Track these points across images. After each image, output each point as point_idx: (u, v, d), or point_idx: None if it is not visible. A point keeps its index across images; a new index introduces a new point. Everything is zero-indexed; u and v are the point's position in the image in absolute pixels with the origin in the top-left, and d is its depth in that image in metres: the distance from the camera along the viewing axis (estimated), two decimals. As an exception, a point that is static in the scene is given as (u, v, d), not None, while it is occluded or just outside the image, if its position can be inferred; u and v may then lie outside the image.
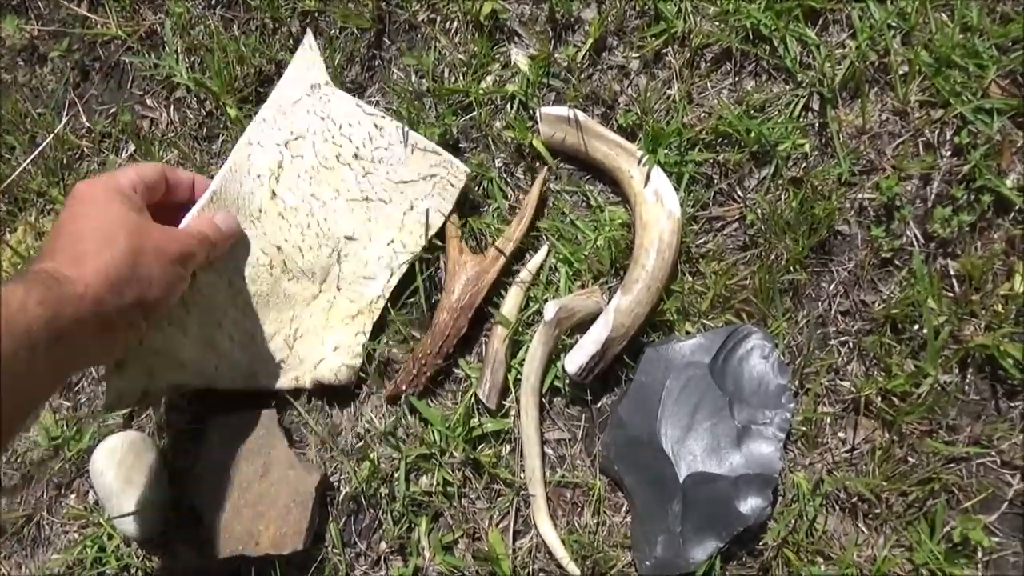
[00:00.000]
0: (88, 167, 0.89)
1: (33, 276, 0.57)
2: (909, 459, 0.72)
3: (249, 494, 0.72)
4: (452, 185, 0.78)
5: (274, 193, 0.77)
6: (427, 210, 0.79)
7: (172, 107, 0.91)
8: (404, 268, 0.78)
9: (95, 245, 0.61)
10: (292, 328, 0.78)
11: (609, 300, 0.76)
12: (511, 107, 0.84)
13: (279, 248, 0.77)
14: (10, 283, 0.55)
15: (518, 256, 0.80)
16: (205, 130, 0.89)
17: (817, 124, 0.80)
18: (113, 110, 0.92)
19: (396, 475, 0.75)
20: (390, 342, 0.79)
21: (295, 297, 0.78)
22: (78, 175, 0.88)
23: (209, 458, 0.74)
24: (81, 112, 0.92)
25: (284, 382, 0.77)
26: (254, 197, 0.77)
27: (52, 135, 0.89)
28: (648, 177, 0.77)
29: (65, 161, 0.90)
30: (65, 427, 0.80)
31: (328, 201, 0.78)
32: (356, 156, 0.78)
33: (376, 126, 0.78)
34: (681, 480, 0.70)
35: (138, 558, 0.76)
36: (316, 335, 0.78)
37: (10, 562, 0.78)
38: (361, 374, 0.80)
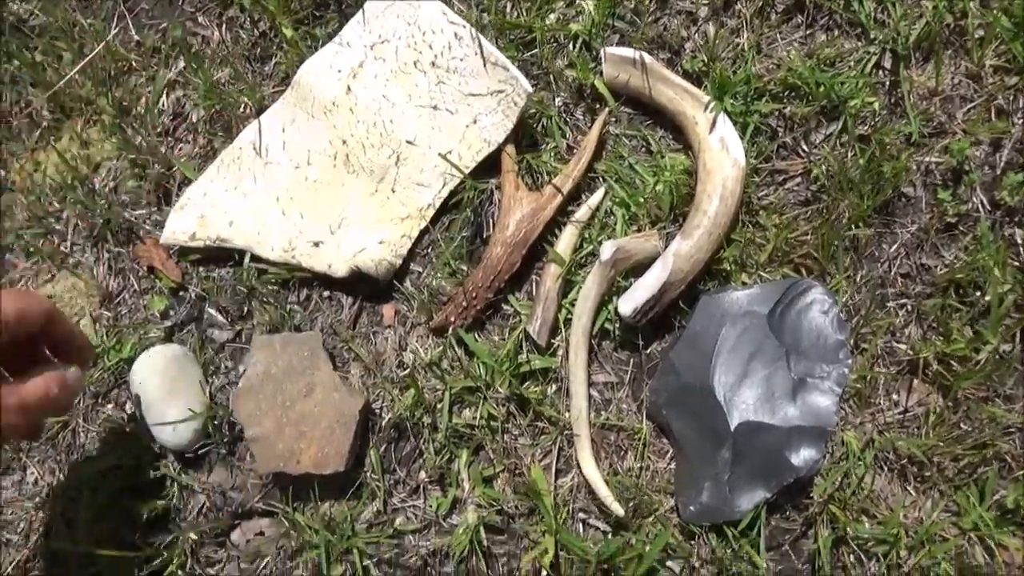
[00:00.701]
0: (136, 81, 0.87)
1: None
2: (962, 425, 0.71)
3: (292, 413, 0.71)
4: (515, 104, 0.77)
5: (349, 89, 0.80)
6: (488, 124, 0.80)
7: (224, 26, 0.89)
8: (456, 181, 0.78)
9: None
10: (340, 217, 0.79)
11: (666, 245, 0.74)
12: (574, 46, 0.82)
13: (344, 141, 0.80)
14: None
15: (574, 197, 0.79)
16: (259, 50, 0.87)
17: (888, 82, 0.79)
18: (164, 25, 0.90)
19: (439, 406, 0.74)
20: (438, 273, 0.78)
21: (351, 190, 0.80)
22: (125, 88, 0.86)
23: (252, 375, 0.73)
24: (130, 25, 0.90)
25: (318, 264, 0.77)
26: (330, 90, 0.80)
27: (102, 44, 0.87)
28: (714, 124, 0.76)
29: (113, 73, 0.88)
30: (105, 337, 0.79)
31: (398, 104, 0.80)
32: (433, 64, 0.79)
33: (456, 36, 0.78)
34: (732, 428, 0.69)
35: (174, 469, 0.75)
36: (362, 228, 0.78)
37: (43, 467, 0.77)
38: (404, 304, 0.78)
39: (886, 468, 0.72)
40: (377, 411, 0.75)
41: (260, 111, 0.84)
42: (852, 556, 0.69)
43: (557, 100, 0.82)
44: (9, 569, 0.75)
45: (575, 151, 0.80)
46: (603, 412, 0.75)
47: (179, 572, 0.72)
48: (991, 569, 0.68)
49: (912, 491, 0.71)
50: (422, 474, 0.74)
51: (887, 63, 0.79)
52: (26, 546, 0.75)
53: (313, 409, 0.71)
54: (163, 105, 0.87)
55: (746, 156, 0.76)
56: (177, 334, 0.79)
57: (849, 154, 0.77)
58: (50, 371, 0.59)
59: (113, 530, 0.73)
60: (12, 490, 0.77)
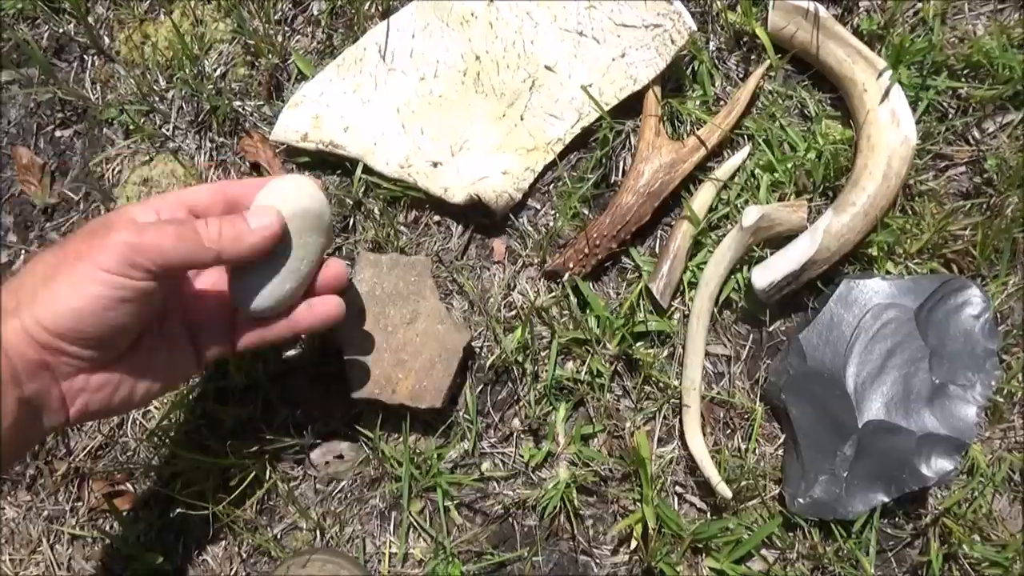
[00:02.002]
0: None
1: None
2: (1101, 457, 0.66)
3: (393, 339, 0.68)
4: (673, 41, 0.70)
5: (492, 0, 0.73)
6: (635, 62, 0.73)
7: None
8: (592, 117, 0.72)
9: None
10: (463, 140, 0.73)
11: (812, 220, 0.69)
12: (739, -13, 0.74)
13: (478, 57, 0.74)
14: None
15: (715, 153, 0.73)
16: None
17: (1082, 76, 0.71)
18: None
19: (545, 354, 0.70)
20: (561, 217, 0.73)
21: (478, 112, 0.74)
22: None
23: (355, 293, 0.69)
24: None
25: (433, 187, 0.72)
26: None
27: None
28: (886, 94, 0.69)
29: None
30: (202, 230, 0.75)
31: (541, 24, 0.73)
32: None
33: None
34: (860, 424, 0.64)
35: (264, 378, 0.72)
36: (485, 155, 0.72)
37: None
38: (517, 242, 0.74)
39: (1010, 489, 0.67)
40: (477, 350, 0.71)
41: (386, 12, 0.78)
42: (960, 573, 0.66)
43: (711, 44, 0.75)
44: (81, 455, 0.73)
45: (723, 103, 0.73)
46: (714, 385, 0.71)
47: (255, 483, 0.69)
48: (1108, 611, 0.64)
49: (1034, 518, 0.67)
50: (516, 422, 0.71)
51: (1084, 53, 0.72)
52: (100, 432, 0.73)
53: (415, 338, 0.68)
54: (283, -9, 0.81)
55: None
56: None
57: (1027, 149, 0.70)
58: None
59: (194, 432, 0.71)
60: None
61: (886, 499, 0.64)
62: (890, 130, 0.68)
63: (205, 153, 0.78)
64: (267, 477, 0.69)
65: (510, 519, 0.69)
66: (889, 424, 0.64)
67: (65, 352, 0.49)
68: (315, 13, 0.80)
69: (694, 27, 0.70)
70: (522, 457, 0.70)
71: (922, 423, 0.64)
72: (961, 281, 0.67)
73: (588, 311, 0.71)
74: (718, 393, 0.70)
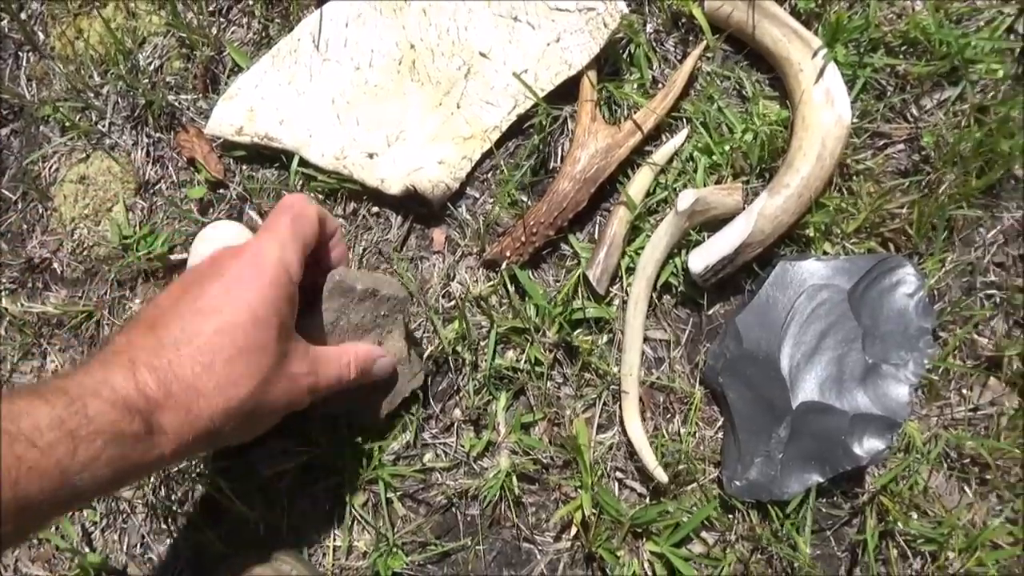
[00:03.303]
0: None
1: (120, 416, 0.43)
2: (1036, 431, 0.67)
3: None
4: (606, 24, 0.70)
5: None
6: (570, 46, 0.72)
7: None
8: (528, 103, 0.71)
9: (224, 375, 0.47)
10: (399, 130, 0.72)
11: (748, 202, 0.68)
12: (675, -33, 0.74)
13: (412, 46, 0.73)
14: (78, 414, 0.42)
15: (653, 136, 0.72)
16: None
17: (1018, 50, 0.71)
18: None
19: (484, 344, 0.70)
20: (498, 204, 0.72)
21: (413, 101, 0.73)
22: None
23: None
24: None
25: (369, 178, 0.71)
26: None
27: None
28: (821, 73, 0.68)
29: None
30: (138, 227, 0.75)
31: (475, 10, 0.73)
32: None
33: None
34: (794, 406, 0.65)
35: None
36: (421, 144, 0.72)
37: (65, 355, 0.74)
38: (456, 231, 0.73)
39: (946, 466, 0.68)
40: (417, 340, 0.71)
41: (322, 1, 0.76)
42: (897, 551, 0.66)
43: (648, 26, 0.74)
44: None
45: (661, 86, 0.73)
46: (654, 371, 0.71)
47: (197, 480, 0.70)
48: (1042, 584, 0.65)
49: (970, 493, 0.67)
50: (457, 412, 0.71)
51: (1021, 28, 0.71)
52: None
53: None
54: (217, -19, 0.80)
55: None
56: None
57: (963, 125, 0.70)
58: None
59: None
60: (32, 376, 0.75)
61: (821, 479, 0.64)
62: (824, 110, 0.68)
63: (142, 149, 0.77)
64: (208, 479, 0.69)
65: (453, 509, 0.70)
66: (822, 405, 0.64)
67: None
68: (250, 3, 0.79)
69: (626, 9, 0.70)
70: (463, 447, 0.70)
71: (855, 403, 0.64)
72: (895, 260, 0.67)
73: (527, 299, 0.71)
74: (658, 378, 0.70)
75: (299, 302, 0.54)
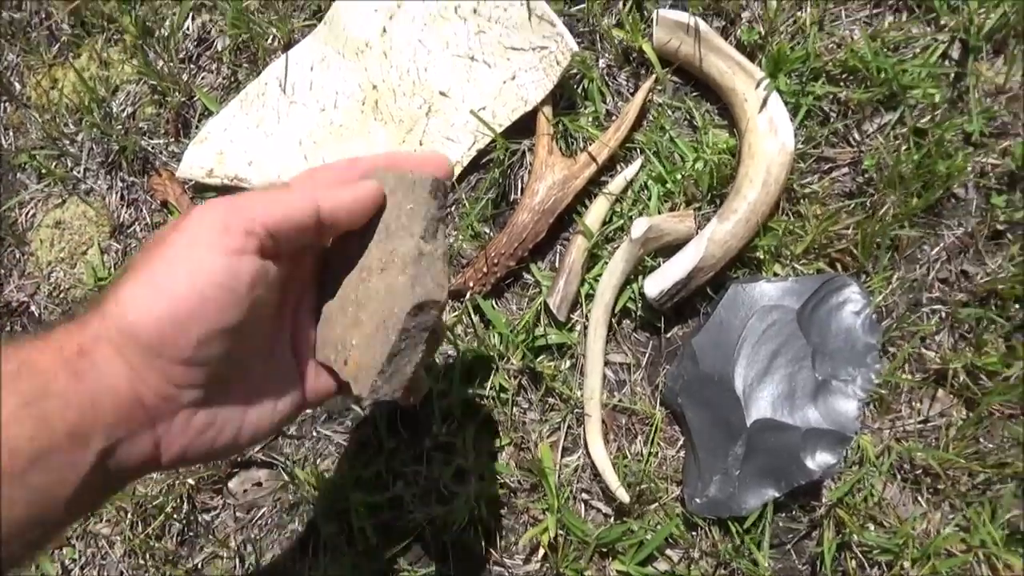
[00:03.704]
0: (161, 0, 0.83)
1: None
2: (983, 440, 0.69)
3: (363, 289, 0.46)
4: (558, 62, 0.73)
5: (385, 30, 0.76)
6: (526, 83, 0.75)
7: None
8: (487, 140, 0.74)
9: (171, 274, 0.36)
10: None
11: (701, 228, 0.71)
12: (625, 5, 0.77)
13: (375, 87, 0.76)
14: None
15: (608, 167, 0.75)
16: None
17: (953, 75, 0.74)
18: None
19: (450, 373, 0.72)
20: (461, 236, 0.75)
21: (378, 139, 0.76)
22: (150, 7, 0.82)
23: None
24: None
25: None
26: (365, 29, 0.77)
27: (127, -41, 0.82)
28: (764, 103, 0.71)
29: (138, -9, 0.84)
30: (113, 269, 0.77)
31: (434, 51, 0.76)
32: (475, 11, 0.75)
33: None
34: (748, 424, 0.67)
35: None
36: None
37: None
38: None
39: (899, 477, 0.70)
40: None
41: (288, 45, 0.80)
42: (855, 562, 0.68)
43: (601, 62, 0.77)
44: None
45: (615, 118, 0.76)
46: (616, 393, 0.73)
47: (174, 516, 0.71)
48: (995, 589, 0.67)
49: (923, 503, 0.70)
50: (427, 441, 0.73)
51: (955, 53, 0.74)
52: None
53: (379, 291, 0.45)
54: (188, 29, 0.83)
55: (795, 140, 0.72)
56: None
57: (903, 148, 0.73)
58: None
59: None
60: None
61: (777, 494, 0.67)
62: (768, 138, 0.71)
63: (116, 193, 0.80)
64: (184, 511, 0.71)
65: (425, 536, 0.72)
66: (776, 422, 0.67)
67: (166, 376, 0.37)
68: (219, 49, 0.82)
69: (576, 48, 0.73)
70: (433, 475, 0.72)
71: (806, 419, 0.67)
72: (841, 279, 0.70)
73: (491, 328, 0.73)
74: (620, 400, 0.73)
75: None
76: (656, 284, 0.69)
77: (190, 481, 0.72)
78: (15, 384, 0.34)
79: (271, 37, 0.80)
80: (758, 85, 0.72)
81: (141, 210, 0.79)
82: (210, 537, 0.71)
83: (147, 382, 0.37)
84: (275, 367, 0.45)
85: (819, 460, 0.66)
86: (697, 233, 0.71)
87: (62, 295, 0.78)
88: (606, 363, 0.73)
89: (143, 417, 0.37)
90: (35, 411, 0.34)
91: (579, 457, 0.72)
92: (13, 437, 0.33)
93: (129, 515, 0.71)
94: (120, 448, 0.37)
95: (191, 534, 0.72)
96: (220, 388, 0.40)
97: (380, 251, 0.46)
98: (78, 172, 0.80)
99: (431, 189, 0.45)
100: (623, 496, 0.68)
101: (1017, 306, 0.70)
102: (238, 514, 0.73)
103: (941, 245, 0.73)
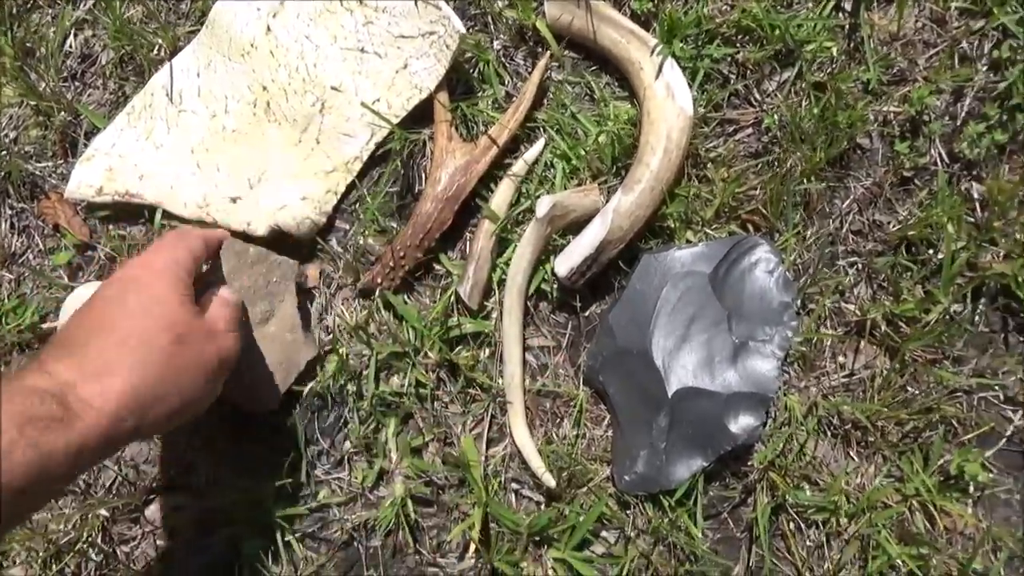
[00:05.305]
0: (40, 19, 0.80)
1: (31, 401, 0.44)
2: (909, 388, 0.69)
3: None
4: (447, 46, 0.71)
5: (269, 28, 0.74)
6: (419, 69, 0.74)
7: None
8: (385, 132, 0.72)
9: (128, 354, 0.49)
10: (260, 171, 0.73)
11: (608, 200, 0.70)
12: (515, -16, 0.75)
13: (265, 88, 0.74)
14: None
15: (512, 148, 0.74)
16: (173, -14, 0.80)
17: (848, 26, 0.73)
18: (69, -42, 0.82)
19: (365, 372, 0.70)
20: (365, 231, 0.73)
21: (273, 141, 0.74)
22: (28, 27, 0.79)
23: (212, 279, 0.65)
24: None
25: (235, 222, 0.71)
26: (248, 29, 0.74)
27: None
28: (660, 70, 0.70)
29: (14, 10, 0.80)
30: (7, 300, 0.74)
31: (322, 46, 0.74)
32: (360, 2, 0.73)
33: None
34: (670, 394, 0.66)
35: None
36: (283, 183, 0.72)
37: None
38: (329, 265, 0.74)
39: (829, 433, 0.69)
40: (308, 310, 0.71)
41: (175, 53, 0.77)
42: (792, 524, 0.67)
43: (496, 43, 0.76)
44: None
45: (514, 99, 0.74)
46: (539, 378, 0.71)
47: (90, 550, 0.68)
48: (932, 536, 0.66)
49: (855, 457, 0.69)
50: (347, 444, 0.70)
51: (847, 5, 0.74)
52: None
53: (262, 340, 0.67)
54: (70, 46, 0.80)
55: (695, 105, 0.71)
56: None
57: (803, 103, 0.72)
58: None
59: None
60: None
61: (705, 463, 0.65)
62: (667, 104, 0.70)
63: (5, 221, 0.77)
64: (99, 543, 0.68)
65: (354, 543, 0.69)
66: (697, 390, 0.66)
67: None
68: (103, 63, 0.79)
69: (463, 29, 0.71)
70: (357, 479, 0.69)
71: (727, 383, 0.66)
72: (752, 240, 0.69)
73: (403, 323, 0.71)
74: (543, 385, 0.71)
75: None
76: (565, 262, 0.68)
77: (103, 512, 0.69)
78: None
79: (156, 47, 0.78)
80: (652, 52, 0.71)
81: (32, 236, 0.76)
82: (131, 568, 0.68)
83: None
84: None
85: (742, 423, 0.64)
86: (604, 207, 0.69)
87: (-45, 332, 0.74)
88: (527, 348, 0.71)
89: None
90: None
91: (505, 446, 0.70)
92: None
93: (41, 554, 0.68)
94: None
95: (108, 568, 0.69)
96: None
97: (253, 309, 0.67)
98: (-36, 203, 0.77)
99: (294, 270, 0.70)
100: (549, 481, 0.66)
101: (931, 251, 0.70)
102: (159, 541, 0.69)
103: (851, 197, 0.73)
